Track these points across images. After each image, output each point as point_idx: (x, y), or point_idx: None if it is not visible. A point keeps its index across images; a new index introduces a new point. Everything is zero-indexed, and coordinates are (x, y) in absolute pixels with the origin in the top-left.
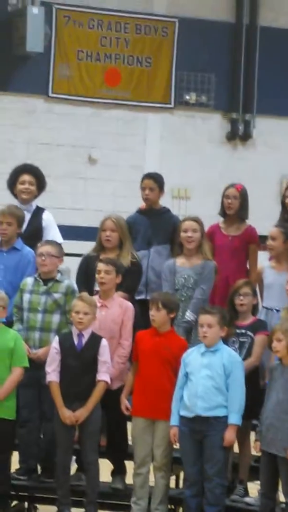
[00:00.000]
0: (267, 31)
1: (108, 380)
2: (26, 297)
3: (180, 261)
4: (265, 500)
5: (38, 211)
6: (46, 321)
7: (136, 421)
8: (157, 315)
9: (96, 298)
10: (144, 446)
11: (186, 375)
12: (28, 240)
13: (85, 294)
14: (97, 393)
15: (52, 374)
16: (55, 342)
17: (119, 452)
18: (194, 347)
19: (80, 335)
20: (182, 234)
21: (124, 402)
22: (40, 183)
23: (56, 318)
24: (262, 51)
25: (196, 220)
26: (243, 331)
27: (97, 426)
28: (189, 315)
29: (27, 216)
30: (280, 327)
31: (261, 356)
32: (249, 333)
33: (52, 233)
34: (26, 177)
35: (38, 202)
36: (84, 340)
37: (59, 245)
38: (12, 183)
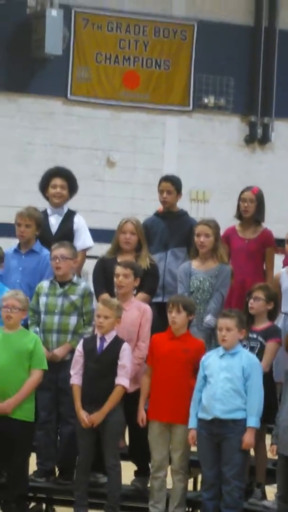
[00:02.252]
0: (286, 34)
1: (126, 385)
2: (43, 300)
3: (195, 263)
4: (282, 503)
5: (70, 214)
6: (63, 323)
7: (153, 425)
8: (178, 317)
9: None
10: (161, 449)
11: (205, 378)
12: None
13: (107, 297)
14: (114, 397)
15: (74, 377)
16: (79, 345)
17: (142, 455)
18: (213, 350)
19: (102, 339)
20: (195, 238)
21: (142, 414)
22: (72, 186)
23: (73, 320)
24: (281, 54)
25: (209, 224)
26: (255, 336)
27: (117, 430)
28: (210, 320)
29: (58, 219)
30: None
31: (271, 362)
32: (260, 338)
33: (83, 236)
34: (58, 181)
35: None
36: (105, 344)
37: (73, 247)
38: (44, 186)
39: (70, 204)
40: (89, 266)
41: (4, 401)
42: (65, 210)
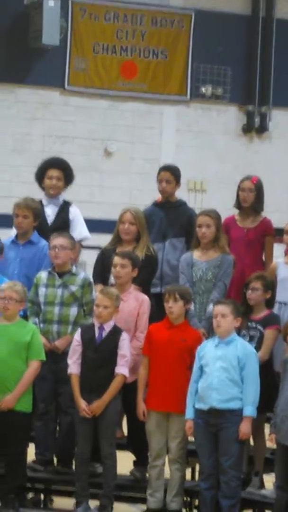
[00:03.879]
0: (283, 23)
1: (126, 374)
2: (42, 291)
3: (197, 254)
4: (280, 492)
5: (66, 205)
6: (63, 313)
7: (151, 414)
8: (175, 307)
9: None
10: (159, 438)
11: (201, 368)
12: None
13: (107, 287)
14: (114, 386)
15: (73, 366)
16: (77, 334)
17: (140, 444)
18: (208, 339)
19: (100, 328)
20: (197, 229)
21: (142, 407)
22: (68, 177)
23: (73, 311)
24: (278, 43)
25: (210, 215)
26: (254, 324)
27: (114, 419)
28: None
29: (54, 210)
30: None
31: (271, 350)
32: (259, 327)
33: (79, 226)
34: (54, 172)
35: None
36: (104, 333)
37: (71, 237)
38: (40, 177)
39: (68, 195)
40: (87, 256)
41: (4, 395)
42: (61, 200)
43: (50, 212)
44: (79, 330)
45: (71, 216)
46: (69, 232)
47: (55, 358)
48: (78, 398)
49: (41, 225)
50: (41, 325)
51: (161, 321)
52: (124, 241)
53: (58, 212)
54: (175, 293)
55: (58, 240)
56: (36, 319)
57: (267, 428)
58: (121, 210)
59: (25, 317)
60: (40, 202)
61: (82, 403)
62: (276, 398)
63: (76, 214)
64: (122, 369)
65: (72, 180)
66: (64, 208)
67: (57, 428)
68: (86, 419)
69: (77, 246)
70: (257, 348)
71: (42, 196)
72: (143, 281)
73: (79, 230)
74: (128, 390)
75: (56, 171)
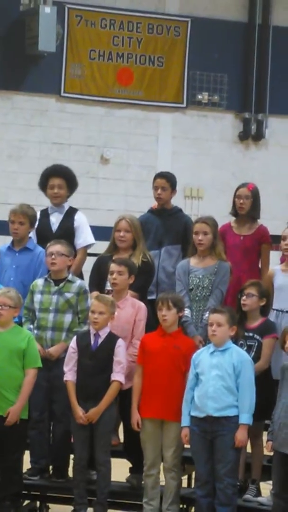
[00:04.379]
0: (279, 31)
1: (122, 381)
2: (37, 297)
3: (194, 261)
4: (277, 500)
5: (71, 212)
6: (58, 320)
7: (145, 422)
8: (168, 314)
9: None
10: (154, 447)
11: (196, 376)
12: None
13: (102, 294)
14: (110, 393)
15: (69, 373)
16: (72, 341)
17: (135, 452)
18: (203, 347)
19: (96, 335)
20: (194, 236)
21: (136, 417)
22: (71, 183)
23: (68, 318)
24: (275, 50)
25: (207, 222)
26: (251, 334)
27: (109, 426)
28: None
29: (59, 218)
30: None
31: (270, 359)
32: (256, 336)
33: (84, 233)
34: (55, 181)
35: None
36: (100, 340)
37: (69, 244)
38: (43, 186)
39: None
40: (87, 264)
41: (1, 402)
42: (66, 208)
43: (55, 220)
44: (74, 337)
45: (76, 223)
46: (74, 239)
47: (49, 366)
48: (75, 405)
49: (46, 233)
50: (35, 331)
51: (154, 330)
52: (120, 248)
53: (62, 219)
54: (168, 301)
55: (55, 247)
56: (31, 326)
57: (264, 436)
58: (117, 217)
59: (20, 323)
60: (46, 210)
61: (79, 411)
62: (273, 405)
63: (82, 221)
64: (118, 376)
65: (75, 186)
66: (69, 215)
67: (51, 435)
68: (82, 427)
69: (81, 252)
70: (256, 357)
71: (45, 203)
72: (141, 288)
73: (84, 236)
74: (124, 396)
75: (57, 179)
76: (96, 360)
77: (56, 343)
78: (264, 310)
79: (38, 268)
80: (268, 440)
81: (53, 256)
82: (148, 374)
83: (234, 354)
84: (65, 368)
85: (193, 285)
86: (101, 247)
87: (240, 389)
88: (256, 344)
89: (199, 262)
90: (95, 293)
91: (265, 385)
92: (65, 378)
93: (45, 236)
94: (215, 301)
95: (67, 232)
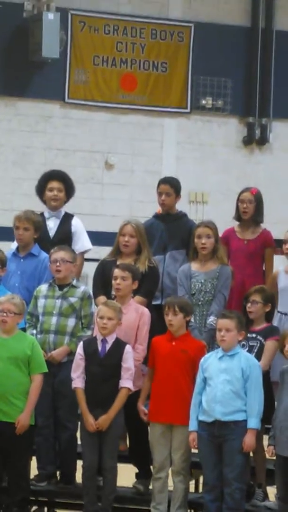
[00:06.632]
0: (283, 35)
1: (131, 387)
2: (41, 302)
3: (195, 265)
4: (282, 503)
5: (67, 217)
6: (60, 324)
7: (154, 426)
8: (174, 319)
9: None
10: (162, 451)
11: (204, 380)
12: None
13: (110, 300)
14: (119, 400)
15: (77, 380)
16: (79, 347)
17: (142, 457)
18: (211, 352)
19: (104, 341)
20: (196, 241)
21: (142, 409)
22: (69, 188)
23: (71, 322)
24: (278, 55)
25: (210, 226)
26: (254, 335)
27: (117, 432)
28: (213, 321)
29: (56, 223)
30: None
31: (271, 361)
32: (259, 337)
33: (82, 239)
34: (54, 184)
35: None
36: (107, 346)
37: (72, 250)
38: (40, 189)
39: (69, 207)
40: (88, 268)
41: (8, 408)
42: (63, 213)
43: (52, 225)
44: (81, 344)
45: (73, 228)
46: (72, 245)
47: (53, 372)
48: (86, 413)
49: (43, 238)
50: (38, 335)
51: (164, 334)
52: (124, 253)
53: (59, 224)
54: (175, 305)
55: (60, 254)
56: (34, 331)
57: (265, 440)
58: (122, 222)
59: (24, 329)
60: (42, 215)
61: (90, 418)
62: (273, 409)
63: (79, 226)
64: (127, 382)
65: (73, 191)
66: (66, 220)
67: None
68: (91, 434)
69: (79, 258)
70: (256, 358)
71: (44, 209)
72: (149, 293)
73: (81, 242)
74: (128, 403)
75: (56, 182)
76: (105, 366)
77: (59, 346)
78: (269, 315)
79: (43, 274)
80: (269, 445)
81: (58, 264)
82: (157, 378)
83: (242, 359)
84: (73, 375)
85: (195, 290)
86: (107, 252)
87: (248, 394)
88: (258, 345)
89: (200, 266)
90: (102, 298)
91: (265, 388)
92: (74, 385)
93: (42, 241)
94: (219, 306)
95: (64, 238)
